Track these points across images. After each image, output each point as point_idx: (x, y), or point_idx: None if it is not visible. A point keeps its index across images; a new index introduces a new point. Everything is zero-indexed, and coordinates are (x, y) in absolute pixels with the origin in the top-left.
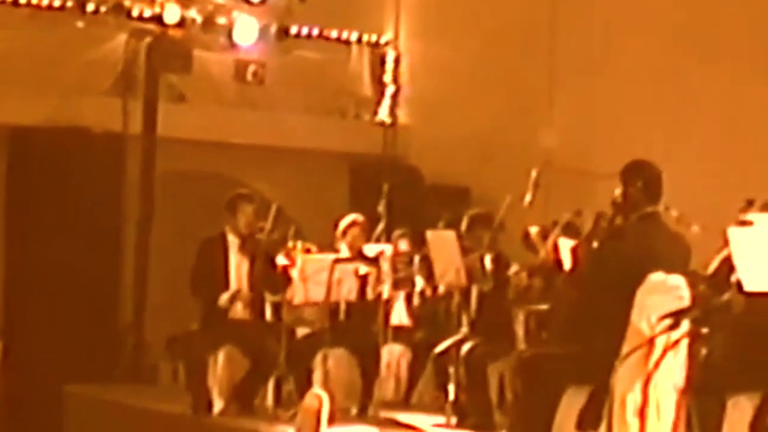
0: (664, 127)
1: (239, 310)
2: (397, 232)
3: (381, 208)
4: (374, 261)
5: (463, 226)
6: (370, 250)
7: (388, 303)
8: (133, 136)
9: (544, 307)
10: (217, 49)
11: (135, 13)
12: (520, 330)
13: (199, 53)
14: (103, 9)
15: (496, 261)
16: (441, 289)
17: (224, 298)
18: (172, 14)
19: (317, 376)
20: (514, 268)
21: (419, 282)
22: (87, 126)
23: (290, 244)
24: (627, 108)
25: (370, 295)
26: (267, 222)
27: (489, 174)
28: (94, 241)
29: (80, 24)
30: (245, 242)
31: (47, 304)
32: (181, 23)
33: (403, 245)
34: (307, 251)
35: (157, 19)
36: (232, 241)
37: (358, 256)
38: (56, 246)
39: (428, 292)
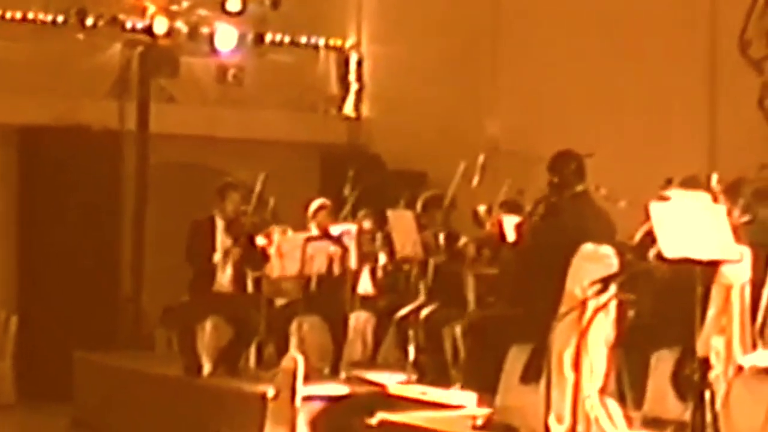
0: (596, 114)
1: (224, 285)
2: (361, 213)
3: (347, 191)
4: (342, 238)
5: (420, 206)
6: (338, 228)
7: (355, 275)
8: (129, 133)
9: (492, 271)
10: (201, 55)
11: (128, 25)
12: (470, 296)
13: (186, 59)
14: (100, 23)
15: (448, 236)
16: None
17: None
18: (160, 26)
19: (293, 340)
20: (463, 241)
21: (382, 256)
22: (88, 125)
23: (269, 227)
24: (563, 97)
25: (338, 268)
26: (249, 206)
27: (442, 159)
28: (96, 224)
29: (81, 36)
30: (230, 225)
31: (56, 281)
32: (169, 33)
33: (367, 224)
34: (283, 233)
35: (148, 30)
36: (219, 223)
37: (328, 234)
38: (63, 230)
39: (390, 265)
